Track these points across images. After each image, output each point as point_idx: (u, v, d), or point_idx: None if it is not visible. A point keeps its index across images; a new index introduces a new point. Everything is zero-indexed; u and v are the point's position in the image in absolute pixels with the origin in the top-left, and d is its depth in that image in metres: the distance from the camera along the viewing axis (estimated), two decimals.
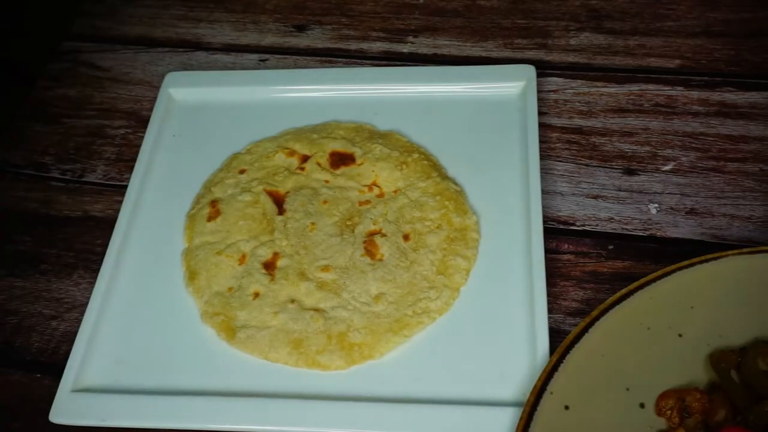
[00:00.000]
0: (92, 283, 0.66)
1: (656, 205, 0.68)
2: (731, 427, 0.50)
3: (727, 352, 0.53)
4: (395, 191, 0.69)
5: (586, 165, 0.71)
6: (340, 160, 0.71)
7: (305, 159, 0.72)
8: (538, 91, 0.75)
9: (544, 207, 0.66)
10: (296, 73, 0.81)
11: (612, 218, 0.67)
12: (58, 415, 0.58)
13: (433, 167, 0.71)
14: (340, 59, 0.84)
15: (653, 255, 0.64)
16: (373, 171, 0.71)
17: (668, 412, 0.51)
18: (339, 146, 0.72)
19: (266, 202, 0.69)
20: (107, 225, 0.71)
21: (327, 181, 0.70)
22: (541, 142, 0.70)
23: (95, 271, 0.67)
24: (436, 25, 0.86)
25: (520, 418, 0.51)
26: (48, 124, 0.82)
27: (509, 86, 0.75)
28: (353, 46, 0.85)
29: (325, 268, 0.64)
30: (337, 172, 0.71)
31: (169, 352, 0.62)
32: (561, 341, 0.54)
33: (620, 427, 0.51)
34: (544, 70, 0.79)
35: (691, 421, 0.51)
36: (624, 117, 0.74)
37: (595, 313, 0.55)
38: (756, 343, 0.53)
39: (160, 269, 0.67)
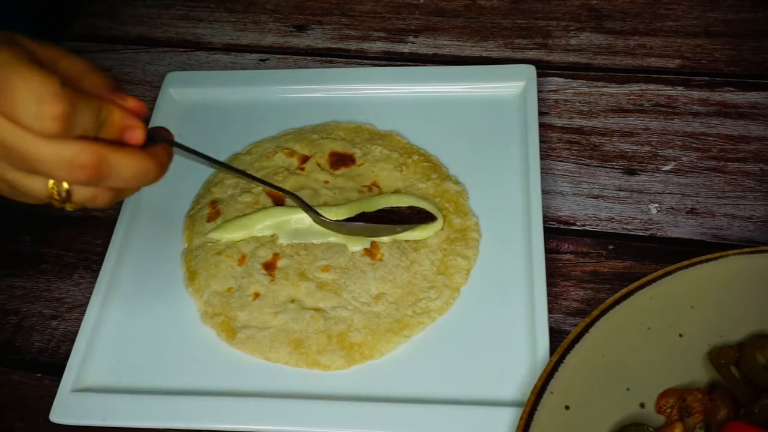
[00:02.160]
0: (92, 283, 0.66)
1: (657, 205, 0.68)
2: (735, 422, 0.49)
3: (725, 348, 0.53)
4: (395, 192, 0.69)
5: (587, 165, 0.71)
6: (340, 160, 0.71)
7: (305, 159, 0.72)
8: (539, 91, 0.75)
9: (544, 207, 0.66)
10: (296, 73, 0.81)
11: (612, 218, 0.67)
12: (58, 414, 0.58)
13: (433, 168, 0.71)
14: (340, 59, 0.84)
15: (653, 255, 0.64)
16: (373, 172, 0.70)
17: (668, 410, 0.51)
18: (339, 147, 0.72)
19: (266, 203, 0.69)
20: (107, 225, 0.71)
21: (327, 182, 0.70)
22: (541, 142, 0.70)
23: (95, 271, 0.67)
24: (436, 25, 0.86)
25: (521, 418, 0.51)
26: None
27: (509, 86, 0.75)
28: (353, 46, 0.85)
29: (325, 268, 0.64)
30: (337, 172, 0.71)
31: (169, 352, 0.62)
32: (561, 341, 0.54)
33: (620, 427, 0.51)
34: (544, 70, 0.79)
35: (691, 420, 0.51)
36: (624, 117, 0.74)
37: (595, 312, 0.55)
38: (753, 338, 0.53)
39: (160, 269, 0.67)
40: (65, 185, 0.45)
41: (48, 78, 0.41)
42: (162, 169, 0.48)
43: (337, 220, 0.64)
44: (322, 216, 0.63)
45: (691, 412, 0.51)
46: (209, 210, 0.69)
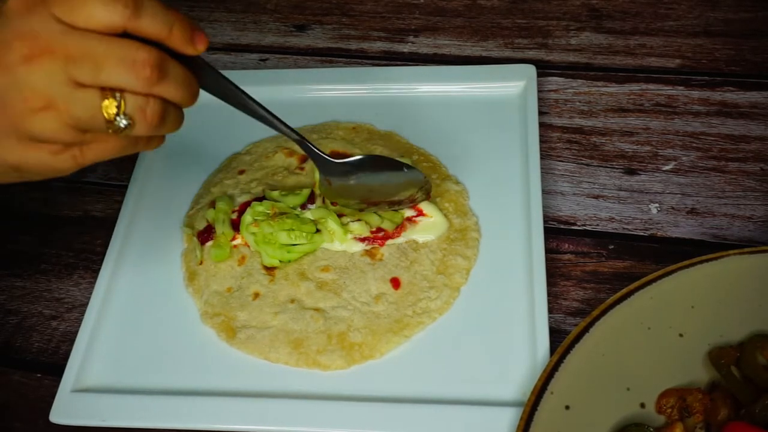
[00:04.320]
0: (92, 283, 0.66)
1: (657, 204, 0.68)
2: (735, 422, 0.49)
3: (725, 348, 0.53)
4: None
5: (587, 165, 0.71)
6: None
7: (305, 159, 0.72)
8: (539, 91, 0.75)
9: (544, 207, 0.66)
10: (296, 73, 0.81)
11: (613, 218, 0.67)
12: (58, 415, 0.58)
13: (433, 168, 0.70)
14: (340, 59, 0.84)
15: (654, 255, 0.64)
16: None
17: (669, 410, 0.51)
18: (338, 146, 0.72)
19: None
20: (107, 225, 0.71)
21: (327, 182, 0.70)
22: (541, 141, 0.70)
23: (95, 271, 0.67)
24: (436, 24, 0.86)
25: (521, 418, 0.51)
26: None
27: (509, 86, 0.75)
28: (353, 45, 0.85)
29: (325, 268, 0.64)
30: None
31: (169, 352, 0.62)
32: (561, 341, 0.54)
33: (621, 428, 0.51)
34: (544, 69, 0.79)
35: (691, 420, 0.50)
36: (624, 117, 0.74)
37: (595, 312, 0.55)
38: (753, 337, 0.53)
39: (160, 269, 0.67)
40: (117, 95, 0.44)
41: None
42: (197, 93, 0.49)
43: (342, 162, 0.61)
44: (326, 156, 0.60)
45: (692, 412, 0.51)
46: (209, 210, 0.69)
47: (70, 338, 0.64)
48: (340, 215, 0.65)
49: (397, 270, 0.64)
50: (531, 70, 0.75)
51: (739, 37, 0.80)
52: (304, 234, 0.64)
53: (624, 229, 0.66)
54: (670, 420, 0.51)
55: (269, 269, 0.65)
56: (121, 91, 0.44)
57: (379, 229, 0.65)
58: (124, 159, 0.76)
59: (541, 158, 0.69)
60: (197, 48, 0.46)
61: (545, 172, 0.70)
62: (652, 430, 0.50)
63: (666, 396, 0.52)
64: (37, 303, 0.68)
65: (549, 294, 0.61)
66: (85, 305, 0.64)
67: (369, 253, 0.65)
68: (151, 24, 0.43)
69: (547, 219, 0.67)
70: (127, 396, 0.59)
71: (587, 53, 0.81)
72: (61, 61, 0.42)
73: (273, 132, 0.75)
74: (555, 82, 0.78)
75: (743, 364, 0.52)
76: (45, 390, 0.62)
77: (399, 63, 0.83)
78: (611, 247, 0.65)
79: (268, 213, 0.65)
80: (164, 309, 0.65)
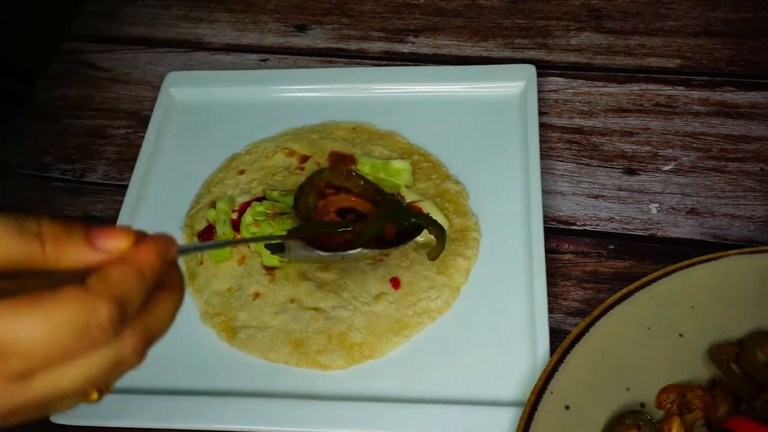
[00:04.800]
0: None
1: (657, 204, 0.68)
2: (737, 416, 0.49)
3: (725, 345, 0.53)
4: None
5: (587, 165, 0.71)
6: (340, 160, 0.71)
7: (305, 159, 0.72)
8: (539, 91, 0.75)
9: (544, 207, 0.66)
10: (296, 73, 0.81)
11: (612, 218, 0.67)
12: (58, 414, 0.58)
13: (433, 168, 0.70)
14: (340, 59, 0.84)
15: (654, 255, 0.64)
16: None
17: (668, 406, 0.51)
18: (339, 147, 0.72)
19: None
20: (107, 225, 0.70)
21: None
22: (541, 141, 0.70)
23: None
24: (436, 24, 0.86)
25: (521, 418, 0.51)
26: (48, 124, 0.82)
27: (509, 86, 0.75)
28: (353, 46, 0.85)
29: (326, 268, 0.64)
30: None
31: (169, 352, 0.61)
32: (561, 341, 0.54)
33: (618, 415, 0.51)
34: (544, 69, 0.79)
35: (690, 416, 0.51)
36: (624, 117, 0.74)
37: (595, 312, 0.55)
38: (753, 335, 0.53)
39: None
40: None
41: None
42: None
43: (335, 252, 0.58)
44: (318, 252, 0.58)
45: (691, 408, 0.51)
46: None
47: None
48: None
49: (397, 270, 0.64)
50: (531, 70, 0.75)
51: (739, 37, 0.80)
52: None
53: (624, 229, 0.66)
54: (669, 415, 0.51)
55: (269, 269, 0.65)
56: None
57: None
58: (124, 159, 0.77)
59: (541, 158, 0.69)
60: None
61: (545, 172, 0.70)
62: (648, 416, 0.50)
63: (666, 391, 0.52)
64: None
65: (549, 294, 0.61)
66: None
67: None
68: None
69: (547, 219, 0.67)
70: (127, 396, 0.58)
71: (587, 53, 0.81)
72: None
73: (273, 132, 0.76)
74: (555, 82, 0.78)
75: (743, 361, 0.52)
76: None
77: (399, 63, 0.83)
78: (611, 247, 0.65)
79: (268, 213, 0.65)
80: None
